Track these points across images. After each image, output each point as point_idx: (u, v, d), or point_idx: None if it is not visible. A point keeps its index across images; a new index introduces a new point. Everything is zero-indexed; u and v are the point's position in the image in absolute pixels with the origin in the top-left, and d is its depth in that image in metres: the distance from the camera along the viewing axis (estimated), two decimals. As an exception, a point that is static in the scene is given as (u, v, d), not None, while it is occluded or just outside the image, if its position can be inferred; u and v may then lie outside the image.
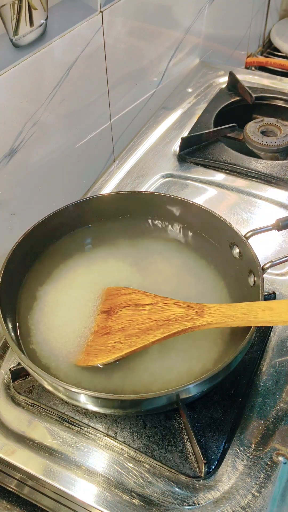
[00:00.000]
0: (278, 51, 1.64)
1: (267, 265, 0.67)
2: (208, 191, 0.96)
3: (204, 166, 1.00)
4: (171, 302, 0.61)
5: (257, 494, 0.59)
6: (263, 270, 0.64)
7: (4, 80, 0.68)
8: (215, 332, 0.64)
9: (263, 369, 0.70)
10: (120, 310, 0.63)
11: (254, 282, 0.65)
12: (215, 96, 1.16)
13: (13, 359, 0.72)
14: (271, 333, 0.73)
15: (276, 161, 0.99)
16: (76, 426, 0.65)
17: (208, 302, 0.63)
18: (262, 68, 1.52)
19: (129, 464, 0.62)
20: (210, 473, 0.60)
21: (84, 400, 0.56)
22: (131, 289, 0.66)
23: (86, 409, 0.65)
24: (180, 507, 0.58)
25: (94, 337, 0.62)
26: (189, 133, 1.06)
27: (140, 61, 1.02)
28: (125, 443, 0.63)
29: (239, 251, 0.69)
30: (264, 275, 0.64)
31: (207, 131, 1.03)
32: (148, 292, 0.65)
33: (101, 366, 0.60)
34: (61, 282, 0.71)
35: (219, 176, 0.98)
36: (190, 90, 1.21)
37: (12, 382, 0.69)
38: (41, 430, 0.65)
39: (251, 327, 0.58)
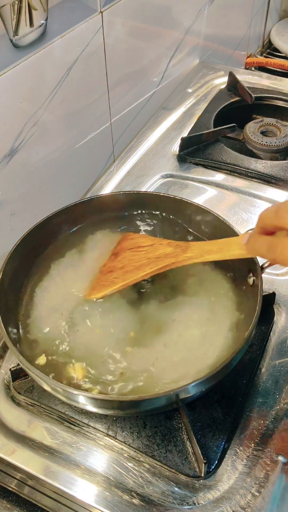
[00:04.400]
0: (278, 51, 1.64)
1: (266, 264, 0.67)
2: (208, 191, 0.96)
3: (204, 166, 1.00)
4: (165, 243, 0.67)
5: (257, 494, 0.59)
6: (262, 269, 0.65)
7: (4, 80, 0.69)
8: (216, 332, 0.64)
9: (263, 369, 0.70)
10: (125, 252, 0.69)
11: (253, 281, 0.65)
12: (215, 97, 1.16)
13: (13, 359, 0.72)
14: (271, 333, 0.73)
15: (276, 161, 0.99)
16: (76, 426, 0.65)
17: (212, 301, 0.67)
18: (262, 68, 1.52)
19: (129, 464, 0.62)
20: (210, 473, 0.60)
21: (83, 401, 0.56)
22: (138, 234, 0.74)
23: (86, 410, 0.65)
24: (180, 507, 0.58)
25: (100, 275, 0.69)
26: (189, 133, 1.06)
27: (140, 61, 1.02)
28: (125, 443, 0.63)
29: (239, 251, 0.69)
30: (264, 275, 0.64)
31: (207, 131, 1.03)
32: (152, 236, 0.71)
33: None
34: (61, 282, 0.71)
35: (219, 176, 0.98)
36: (190, 90, 1.21)
37: (12, 382, 0.69)
38: (41, 430, 0.65)
39: (250, 326, 0.58)
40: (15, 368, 0.68)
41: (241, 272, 0.69)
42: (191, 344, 0.63)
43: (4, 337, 0.59)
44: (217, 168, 0.99)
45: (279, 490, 0.59)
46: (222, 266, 0.71)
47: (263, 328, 0.73)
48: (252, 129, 1.06)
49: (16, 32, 0.69)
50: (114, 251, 0.71)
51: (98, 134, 0.96)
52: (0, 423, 0.66)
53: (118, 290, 0.65)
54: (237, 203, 0.93)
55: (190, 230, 0.76)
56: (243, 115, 1.14)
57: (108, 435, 0.64)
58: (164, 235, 0.76)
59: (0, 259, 0.66)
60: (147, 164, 1.01)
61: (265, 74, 1.29)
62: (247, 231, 0.61)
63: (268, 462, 0.61)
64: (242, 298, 0.67)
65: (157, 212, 0.77)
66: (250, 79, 1.25)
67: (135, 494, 0.60)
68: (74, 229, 0.76)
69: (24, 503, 0.65)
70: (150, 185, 0.97)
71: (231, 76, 1.17)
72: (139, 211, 0.78)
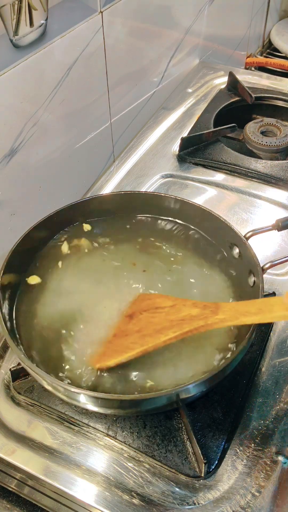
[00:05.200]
0: (278, 51, 1.64)
1: (267, 265, 0.67)
2: (208, 191, 0.96)
3: (204, 166, 1.00)
4: (189, 303, 0.61)
5: (257, 494, 0.59)
6: (263, 270, 0.65)
7: (4, 80, 0.69)
8: (216, 332, 0.64)
9: (263, 369, 0.70)
10: (141, 314, 0.63)
11: (254, 282, 0.65)
12: (215, 96, 1.16)
13: (13, 359, 0.72)
14: (271, 333, 0.73)
15: (276, 161, 0.99)
16: (76, 426, 0.65)
17: (212, 301, 0.63)
18: (262, 68, 1.52)
19: (129, 464, 0.62)
20: (210, 473, 0.60)
21: (84, 400, 0.56)
22: (156, 294, 0.67)
23: (86, 409, 0.65)
24: (180, 507, 0.58)
25: (112, 339, 0.63)
26: (189, 133, 1.06)
27: (140, 61, 1.02)
28: (125, 443, 0.63)
29: (239, 251, 0.69)
30: (264, 275, 0.64)
31: (207, 131, 1.03)
32: (171, 296, 0.65)
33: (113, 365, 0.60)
34: (61, 283, 0.71)
35: (219, 176, 0.98)
36: (190, 90, 1.21)
37: (12, 382, 0.69)
38: (41, 430, 0.65)
39: (251, 326, 0.58)
40: (15, 368, 0.68)
41: (241, 273, 0.69)
42: (190, 344, 0.63)
43: (6, 336, 0.59)
44: (217, 168, 0.99)
45: (279, 490, 0.59)
46: (222, 267, 0.71)
47: (263, 328, 0.73)
48: (252, 129, 1.06)
49: (16, 32, 0.69)
50: (127, 313, 0.65)
51: (98, 134, 0.96)
52: (0, 423, 0.66)
53: (134, 357, 0.59)
54: (237, 203, 0.93)
55: (189, 230, 0.76)
56: (243, 115, 1.14)
57: (108, 435, 0.64)
58: (164, 235, 0.76)
59: (0, 259, 0.66)
60: (147, 164, 1.01)
61: (265, 74, 1.29)
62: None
63: (268, 462, 0.61)
64: (243, 298, 0.67)
65: (157, 213, 0.77)
66: (250, 79, 1.25)
67: (135, 494, 0.60)
68: (74, 228, 0.76)
69: (24, 503, 0.65)
70: (150, 185, 0.97)
71: (231, 76, 1.17)
72: (139, 211, 0.78)
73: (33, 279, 0.70)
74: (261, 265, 0.65)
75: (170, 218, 0.77)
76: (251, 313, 0.55)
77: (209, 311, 0.58)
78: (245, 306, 0.57)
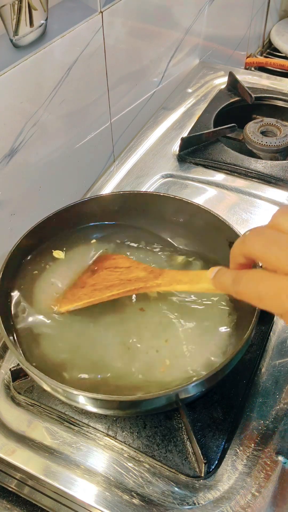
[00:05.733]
0: (278, 51, 1.64)
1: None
2: (207, 191, 0.96)
3: (204, 166, 1.00)
4: (141, 267, 0.66)
5: (257, 494, 0.59)
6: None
7: (4, 80, 0.69)
8: (215, 332, 0.64)
9: (263, 369, 0.70)
10: (102, 271, 0.68)
11: (254, 282, 0.65)
12: (215, 97, 1.16)
13: (13, 359, 0.72)
14: (271, 333, 0.73)
15: (276, 161, 0.99)
16: (76, 426, 0.65)
17: (208, 302, 0.65)
18: (262, 68, 1.52)
19: (129, 464, 0.62)
20: (210, 473, 0.60)
21: (83, 401, 0.56)
22: (120, 255, 0.72)
23: (86, 410, 0.65)
24: (180, 507, 0.58)
25: (71, 288, 0.68)
26: (189, 133, 1.06)
27: (140, 61, 1.02)
28: (125, 443, 0.63)
29: (239, 251, 0.69)
30: (264, 275, 0.64)
31: (207, 131, 1.03)
32: (130, 258, 0.70)
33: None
34: (60, 283, 0.71)
35: (219, 176, 0.98)
36: (190, 90, 1.21)
37: (12, 382, 0.69)
38: (41, 430, 0.65)
39: (250, 326, 0.58)
40: (15, 368, 0.68)
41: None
42: (189, 344, 0.63)
43: (4, 338, 0.59)
44: (217, 168, 0.99)
45: (279, 490, 0.59)
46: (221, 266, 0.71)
47: (263, 328, 0.73)
48: (252, 129, 1.06)
49: (16, 32, 0.69)
50: (92, 268, 0.70)
51: (98, 134, 0.96)
52: (0, 423, 0.66)
53: (82, 307, 0.64)
54: (237, 203, 0.93)
55: (189, 229, 0.76)
56: (243, 115, 1.14)
57: (108, 435, 0.64)
58: (164, 234, 0.76)
59: (0, 259, 0.66)
60: (147, 164, 1.01)
61: (265, 74, 1.29)
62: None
63: (268, 462, 0.61)
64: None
65: (157, 213, 0.77)
66: (250, 79, 1.25)
67: (135, 494, 0.60)
68: (75, 229, 0.76)
69: (24, 503, 0.65)
70: (150, 185, 0.97)
71: (231, 76, 1.17)
72: (139, 212, 0.78)
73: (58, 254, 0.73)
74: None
75: (169, 218, 0.77)
76: (183, 282, 0.60)
77: (152, 276, 0.63)
78: (180, 275, 0.62)
